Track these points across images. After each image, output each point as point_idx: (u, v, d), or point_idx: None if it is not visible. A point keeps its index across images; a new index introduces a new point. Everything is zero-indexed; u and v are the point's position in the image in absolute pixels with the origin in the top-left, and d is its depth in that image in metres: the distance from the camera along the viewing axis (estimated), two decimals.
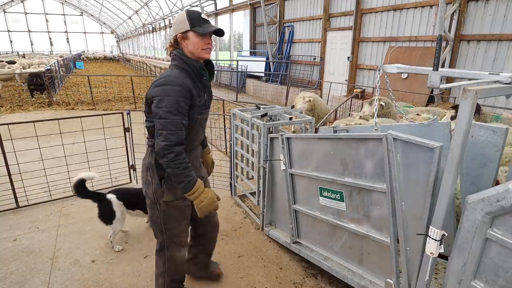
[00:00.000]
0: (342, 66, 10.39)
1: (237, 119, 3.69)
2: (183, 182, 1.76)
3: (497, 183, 2.27)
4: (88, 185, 4.11)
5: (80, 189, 2.84)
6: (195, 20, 1.74)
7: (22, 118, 8.24)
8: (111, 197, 2.95)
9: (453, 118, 3.54)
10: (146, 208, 2.11)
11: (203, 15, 1.79)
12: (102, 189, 4.22)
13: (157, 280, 2.24)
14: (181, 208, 2.00)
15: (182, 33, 1.76)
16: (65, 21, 50.22)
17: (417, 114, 3.73)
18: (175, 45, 1.83)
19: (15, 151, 3.61)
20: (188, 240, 2.23)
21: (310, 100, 5.60)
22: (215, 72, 1.86)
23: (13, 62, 15.90)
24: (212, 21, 19.77)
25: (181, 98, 1.69)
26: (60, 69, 16.43)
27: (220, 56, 20.66)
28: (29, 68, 14.52)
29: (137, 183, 4.45)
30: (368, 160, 2.02)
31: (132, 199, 2.98)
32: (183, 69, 1.78)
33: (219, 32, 1.79)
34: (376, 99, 2.47)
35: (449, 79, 6.64)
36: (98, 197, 2.93)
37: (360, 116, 4.29)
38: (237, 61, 14.97)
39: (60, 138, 3.94)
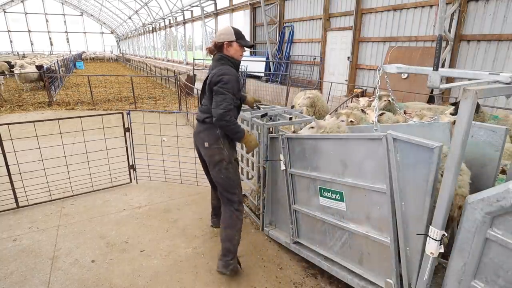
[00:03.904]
0: (342, 66, 10.38)
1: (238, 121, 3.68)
2: (238, 133, 2.47)
3: (502, 171, 2.27)
4: (87, 184, 4.15)
5: None
6: (238, 35, 2.52)
7: (22, 118, 8.24)
8: None
9: (453, 114, 3.54)
10: None
11: (242, 33, 2.58)
12: (102, 189, 4.22)
13: (231, 241, 2.60)
14: (238, 165, 2.84)
15: (228, 42, 2.49)
16: (65, 21, 50.19)
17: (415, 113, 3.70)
18: (218, 49, 2.55)
19: (15, 151, 3.61)
20: None
21: (309, 97, 5.60)
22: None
23: (11, 65, 15.98)
24: (212, 21, 19.78)
25: (236, 84, 2.44)
26: (60, 69, 16.43)
27: None
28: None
29: (137, 183, 4.46)
30: (368, 160, 2.02)
31: None
32: (231, 66, 2.51)
33: (252, 46, 2.52)
34: (376, 98, 2.47)
35: (449, 79, 6.63)
36: None
37: (362, 110, 4.23)
38: None
39: (60, 138, 3.94)
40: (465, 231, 1.55)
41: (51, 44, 49.49)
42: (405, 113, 3.56)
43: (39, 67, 12.69)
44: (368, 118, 3.90)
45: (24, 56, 31.73)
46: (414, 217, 1.81)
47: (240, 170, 3.90)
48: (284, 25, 12.99)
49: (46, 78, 10.07)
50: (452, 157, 1.52)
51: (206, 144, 2.55)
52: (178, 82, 10.33)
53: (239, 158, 3.85)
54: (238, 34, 2.52)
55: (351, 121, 3.57)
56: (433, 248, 1.67)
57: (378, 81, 2.35)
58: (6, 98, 10.47)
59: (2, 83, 10.18)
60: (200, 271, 2.75)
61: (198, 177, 4.30)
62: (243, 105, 3.46)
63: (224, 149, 2.54)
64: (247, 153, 3.09)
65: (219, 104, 2.34)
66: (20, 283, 2.56)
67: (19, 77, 12.35)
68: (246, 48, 2.66)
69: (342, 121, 3.50)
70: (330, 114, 3.98)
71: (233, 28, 2.54)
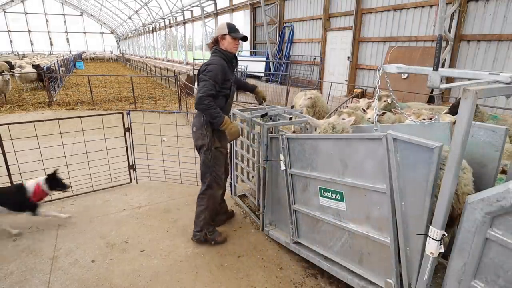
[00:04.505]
0: (342, 66, 10.38)
1: (237, 119, 3.69)
2: (216, 118, 2.64)
3: (502, 171, 2.27)
4: (87, 185, 4.15)
5: None
6: (231, 29, 2.73)
7: (22, 118, 8.24)
8: None
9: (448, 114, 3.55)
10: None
11: (236, 27, 2.79)
12: (102, 189, 4.23)
13: (198, 218, 3.01)
14: (223, 154, 2.99)
15: (222, 35, 2.73)
16: (65, 21, 50.17)
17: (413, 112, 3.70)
18: (215, 43, 2.81)
19: (15, 151, 3.60)
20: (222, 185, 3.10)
21: (311, 98, 5.60)
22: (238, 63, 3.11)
23: (11, 66, 15.96)
24: (212, 21, 19.79)
25: (220, 72, 2.65)
26: (60, 69, 16.44)
27: None
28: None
29: (137, 183, 4.46)
30: (368, 160, 2.02)
31: None
32: (221, 57, 2.74)
33: (245, 38, 2.81)
34: (376, 98, 2.47)
35: (449, 79, 6.63)
36: None
37: (363, 109, 4.21)
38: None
39: (60, 138, 3.94)
40: (465, 231, 1.55)
41: (51, 44, 49.45)
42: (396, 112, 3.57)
43: (37, 67, 12.72)
44: (367, 117, 3.90)
45: (24, 56, 31.72)
46: (414, 217, 1.81)
47: (240, 170, 3.91)
48: (284, 25, 12.99)
49: (46, 78, 10.07)
50: (452, 157, 1.52)
51: (194, 129, 2.86)
52: (178, 82, 10.33)
53: (239, 158, 3.85)
54: (231, 28, 2.75)
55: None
56: (433, 248, 1.67)
57: (378, 81, 2.34)
58: (6, 98, 10.47)
59: (9, 79, 10.11)
60: (200, 271, 2.75)
61: (198, 177, 4.29)
62: (243, 105, 3.49)
63: (206, 136, 2.79)
64: (228, 142, 3.18)
65: (200, 89, 2.60)
66: (20, 283, 2.56)
67: (19, 77, 12.35)
68: (242, 42, 2.86)
69: (343, 119, 3.50)
70: (336, 112, 4.00)
71: (227, 23, 2.78)
